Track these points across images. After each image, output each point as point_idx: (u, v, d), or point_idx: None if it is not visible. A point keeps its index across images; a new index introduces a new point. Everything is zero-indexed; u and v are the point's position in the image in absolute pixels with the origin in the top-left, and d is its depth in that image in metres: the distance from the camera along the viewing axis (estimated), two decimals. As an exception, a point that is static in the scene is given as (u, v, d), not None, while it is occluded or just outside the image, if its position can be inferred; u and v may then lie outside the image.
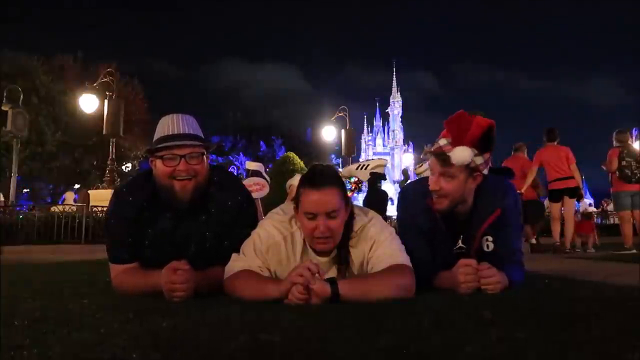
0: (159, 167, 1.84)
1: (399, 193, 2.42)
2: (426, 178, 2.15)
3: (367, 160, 4.11)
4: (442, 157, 1.93)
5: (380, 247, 1.81)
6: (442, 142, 1.95)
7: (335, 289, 1.60)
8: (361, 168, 4.00)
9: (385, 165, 4.21)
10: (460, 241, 2.09)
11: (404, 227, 2.17)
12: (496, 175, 2.15)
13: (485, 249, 2.05)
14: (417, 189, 2.19)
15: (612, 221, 15.71)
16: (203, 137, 1.94)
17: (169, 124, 1.86)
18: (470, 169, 1.95)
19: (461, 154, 1.90)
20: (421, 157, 2.04)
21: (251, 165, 4.83)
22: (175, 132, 1.84)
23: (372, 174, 3.99)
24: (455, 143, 1.91)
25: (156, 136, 1.88)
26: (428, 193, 2.04)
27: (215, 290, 1.82)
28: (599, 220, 15.76)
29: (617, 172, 6.55)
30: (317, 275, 1.60)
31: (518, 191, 7.14)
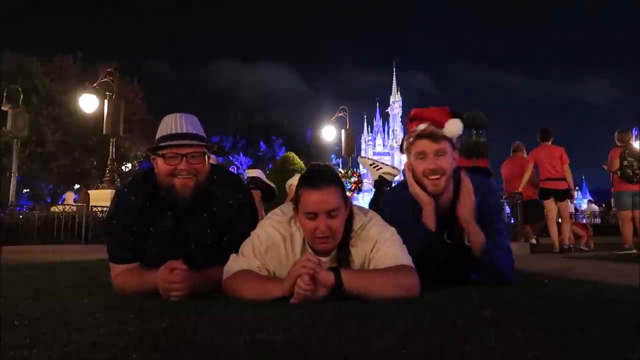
0: (161, 165, 1.86)
1: (383, 198, 2.49)
2: (404, 181, 2.23)
3: (383, 162, 4.09)
4: (434, 136, 2.04)
5: (382, 247, 1.80)
6: (423, 126, 2.06)
7: (339, 276, 1.61)
8: (375, 167, 4.02)
9: (395, 176, 4.22)
10: (445, 236, 2.13)
11: (396, 227, 2.20)
12: (474, 174, 2.23)
13: (467, 243, 2.07)
14: (398, 188, 2.32)
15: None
16: (205, 136, 1.94)
17: (172, 123, 1.88)
18: (452, 145, 2.09)
19: (455, 126, 2.04)
20: (403, 143, 2.18)
21: (251, 172, 4.76)
22: (178, 131, 1.85)
23: (380, 177, 4.01)
24: (437, 123, 2.05)
25: (159, 134, 1.89)
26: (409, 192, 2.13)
27: (213, 290, 1.82)
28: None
29: (619, 172, 6.56)
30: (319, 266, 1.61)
31: (517, 191, 7.13)
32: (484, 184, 2.21)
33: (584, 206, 21.24)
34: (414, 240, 2.02)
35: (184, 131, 1.86)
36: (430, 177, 2.05)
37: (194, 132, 1.88)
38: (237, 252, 1.86)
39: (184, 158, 1.83)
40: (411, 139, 2.09)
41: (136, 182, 2.02)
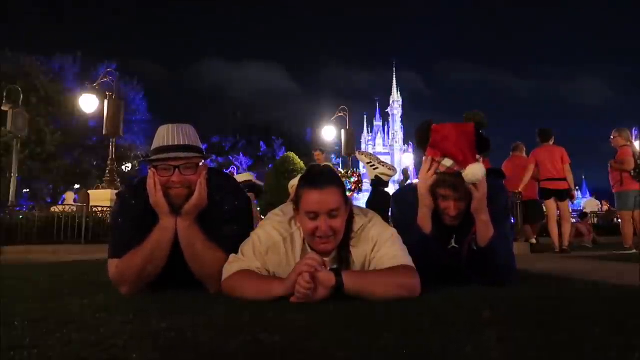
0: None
1: (394, 196, 2.45)
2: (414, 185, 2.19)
3: (381, 162, 4.04)
4: (457, 187, 1.94)
5: (383, 247, 1.80)
6: (448, 162, 1.95)
7: (340, 278, 1.61)
8: (371, 166, 4.00)
9: (391, 176, 4.20)
10: (453, 241, 2.12)
11: (401, 228, 2.18)
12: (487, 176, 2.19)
13: (474, 247, 2.06)
14: (414, 194, 2.21)
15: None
16: (200, 146, 1.95)
17: (165, 135, 1.89)
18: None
19: (477, 172, 1.91)
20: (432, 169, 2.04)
21: (241, 177, 4.65)
22: (170, 143, 1.86)
23: (376, 176, 4.01)
24: (460, 163, 1.93)
25: (153, 146, 1.91)
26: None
27: (189, 250, 1.86)
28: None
29: (632, 172, 6.46)
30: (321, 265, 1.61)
31: (517, 191, 7.07)
32: (496, 185, 2.17)
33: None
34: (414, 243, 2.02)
35: (176, 142, 1.87)
36: (447, 214, 2.03)
37: (187, 143, 1.89)
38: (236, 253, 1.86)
39: (177, 170, 1.85)
40: (434, 176, 1.99)
41: (136, 186, 2.04)
